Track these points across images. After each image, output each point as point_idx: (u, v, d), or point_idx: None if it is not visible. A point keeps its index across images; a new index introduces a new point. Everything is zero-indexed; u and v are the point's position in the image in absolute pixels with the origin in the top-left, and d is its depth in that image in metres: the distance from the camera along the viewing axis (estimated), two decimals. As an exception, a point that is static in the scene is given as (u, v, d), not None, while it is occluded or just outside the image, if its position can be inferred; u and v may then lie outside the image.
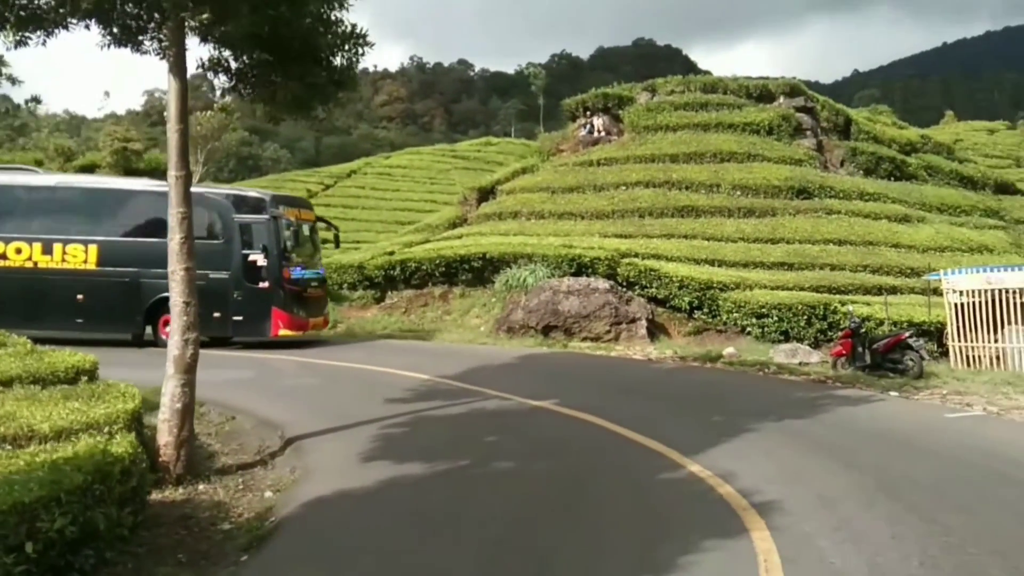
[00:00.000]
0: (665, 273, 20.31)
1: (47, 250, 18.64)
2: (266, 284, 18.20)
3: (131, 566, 5.73)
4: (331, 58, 8.90)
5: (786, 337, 18.17)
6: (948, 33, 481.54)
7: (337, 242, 22.86)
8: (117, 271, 18.43)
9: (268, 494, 7.68)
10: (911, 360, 13.86)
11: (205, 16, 7.88)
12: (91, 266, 18.55)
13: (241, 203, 18.87)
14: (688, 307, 19.98)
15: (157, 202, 19.10)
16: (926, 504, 6.98)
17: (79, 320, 18.36)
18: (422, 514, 6.87)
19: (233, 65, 9.11)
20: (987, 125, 50.45)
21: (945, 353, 15.48)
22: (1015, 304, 14.76)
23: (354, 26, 8.80)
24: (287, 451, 9.19)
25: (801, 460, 8.52)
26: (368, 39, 8.93)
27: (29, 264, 18.62)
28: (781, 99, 31.52)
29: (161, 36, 8.44)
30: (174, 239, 8.59)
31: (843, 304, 17.77)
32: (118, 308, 18.36)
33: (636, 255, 21.52)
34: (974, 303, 15.11)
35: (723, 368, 15.61)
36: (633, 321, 19.59)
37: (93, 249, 18.53)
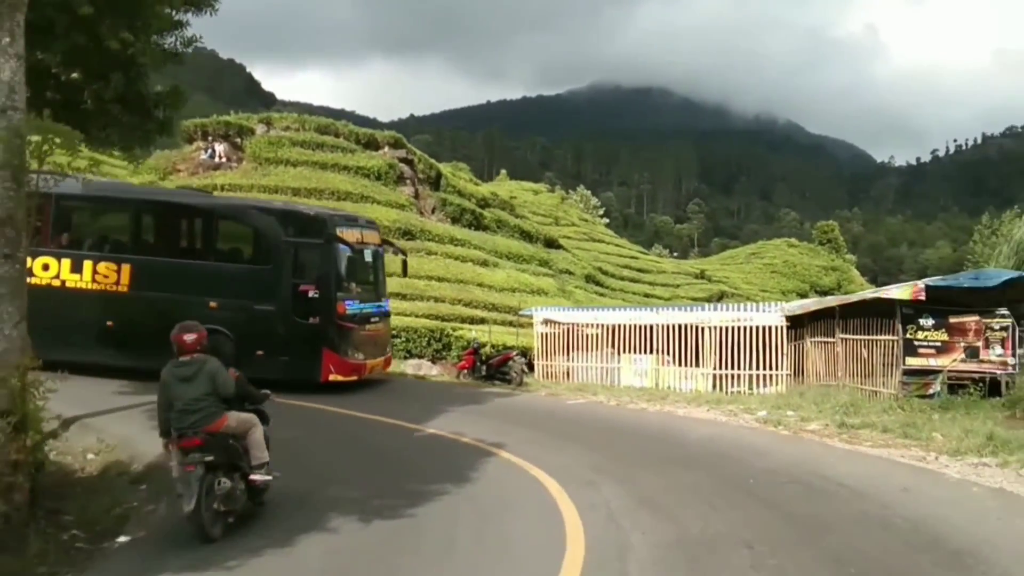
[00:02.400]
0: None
1: (76, 268, 16.05)
2: (317, 320, 15.50)
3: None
4: (154, 110, 10.57)
5: (410, 354, 22.22)
6: (492, 93, 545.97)
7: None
8: (150, 295, 15.66)
9: None
10: (515, 372, 18.70)
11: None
12: (123, 288, 15.99)
13: (293, 221, 16.18)
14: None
15: (195, 217, 17.05)
16: (565, 433, 11.90)
17: (109, 349, 15.67)
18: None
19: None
20: (532, 186, 61.32)
21: (532, 369, 20.75)
22: (579, 335, 20.54)
23: (175, 86, 10.64)
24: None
25: (495, 424, 12.50)
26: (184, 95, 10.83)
27: (56, 283, 15.97)
28: (386, 148, 36.06)
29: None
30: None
31: (454, 330, 22.39)
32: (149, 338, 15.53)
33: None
34: (553, 333, 20.64)
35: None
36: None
37: (126, 269, 16.00)
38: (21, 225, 7.27)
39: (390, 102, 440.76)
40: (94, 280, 16.07)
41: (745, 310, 19.63)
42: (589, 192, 75.26)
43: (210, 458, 7.01)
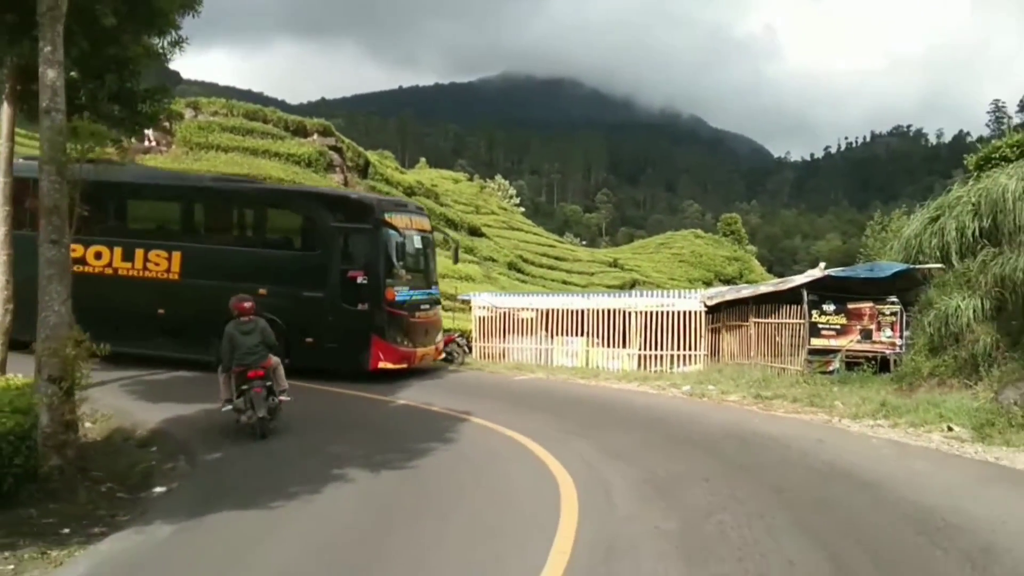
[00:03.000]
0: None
1: (128, 256, 16.31)
2: (366, 306, 15.44)
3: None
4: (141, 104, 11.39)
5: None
6: (404, 78, 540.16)
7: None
8: (200, 283, 15.80)
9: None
10: (457, 353, 20.00)
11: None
12: (174, 276, 16.21)
13: (341, 207, 16.26)
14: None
15: (245, 203, 17.16)
16: (523, 403, 13.35)
17: (159, 339, 15.98)
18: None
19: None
20: (451, 175, 62.37)
21: (471, 350, 22.09)
22: (515, 319, 22.00)
23: (163, 83, 11.52)
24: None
25: (458, 396, 13.79)
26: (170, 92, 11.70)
27: (109, 271, 16.31)
28: (315, 136, 36.65)
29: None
30: None
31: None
32: (197, 326, 15.41)
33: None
34: (490, 316, 22.02)
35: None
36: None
37: (177, 257, 16.20)
38: (65, 213, 8.24)
39: (299, 85, 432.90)
40: (145, 268, 16.23)
41: (668, 297, 21.45)
42: (507, 182, 76.70)
43: (269, 383, 10.48)
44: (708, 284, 46.48)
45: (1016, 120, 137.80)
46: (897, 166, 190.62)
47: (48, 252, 7.99)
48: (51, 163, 8.03)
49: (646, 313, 20.65)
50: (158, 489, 8.52)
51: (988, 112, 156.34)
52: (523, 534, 6.55)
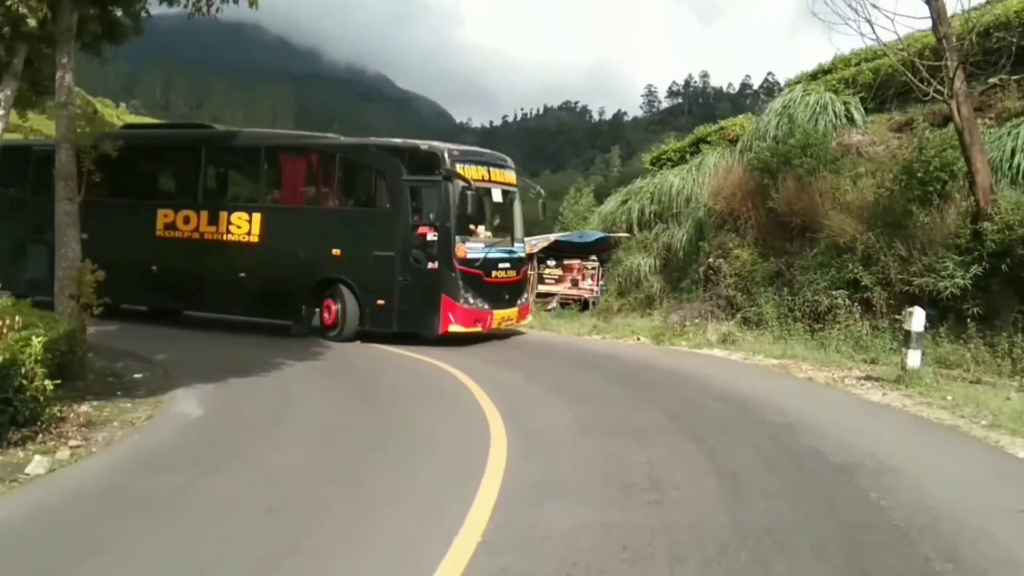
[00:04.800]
0: None
1: (219, 220, 16.40)
2: (435, 265, 14.50)
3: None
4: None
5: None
6: None
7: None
8: (276, 247, 15.95)
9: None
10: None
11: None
12: (254, 239, 16.12)
13: (411, 158, 15.05)
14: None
15: (316, 159, 16.45)
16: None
17: (241, 304, 16.50)
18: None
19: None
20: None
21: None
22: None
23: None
24: None
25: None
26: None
27: (196, 236, 16.60)
28: None
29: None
30: None
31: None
32: (278, 291, 15.85)
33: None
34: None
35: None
36: None
37: (257, 219, 16.10)
38: (75, 180, 11.06)
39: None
40: (229, 232, 16.32)
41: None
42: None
43: None
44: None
45: (665, 104, 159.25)
46: (565, 138, 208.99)
47: (65, 207, 10.82)
48: (67, 142, 10.81)
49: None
50: (138, 375, 11.66)
51: (642, 95, 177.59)
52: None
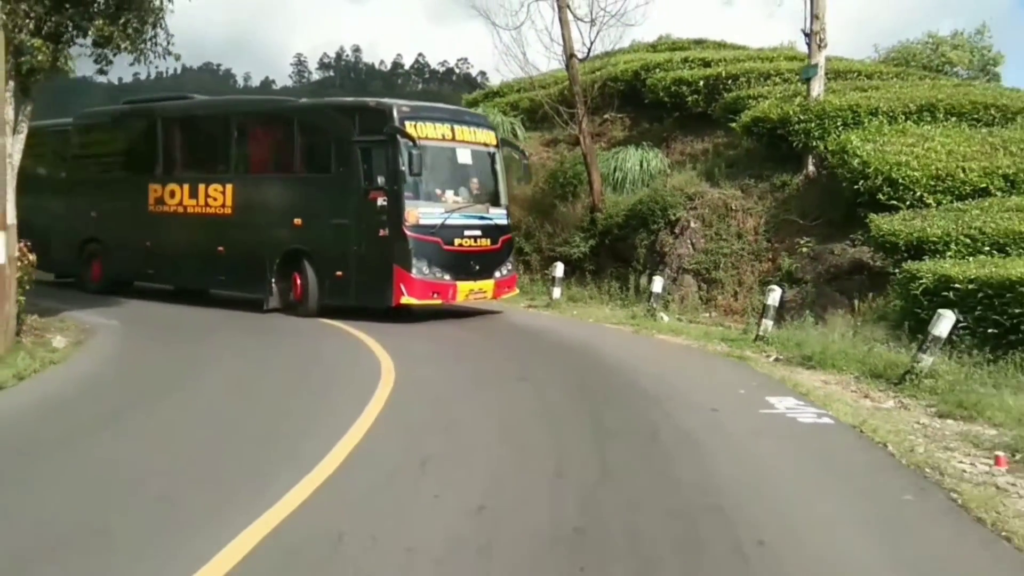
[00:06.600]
0: None
1: (193, 193, 16.04)
2: (386, 232, 13.31)
3: None
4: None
5: None
6: None
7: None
8: (246, 218, 15.42)
9: None
10: None
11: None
12: (227, 211, 15.65)
13: (362, 117, 14.00)
14: None
15: (276, 124, 16.02)
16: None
17: (219, 277, 16.04)
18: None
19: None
20: None
21: None
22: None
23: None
24: None
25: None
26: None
27: (180, 210, 16.27)
28: None
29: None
30: None
31: None
32: (247, 264, 15.18)
33: None
34: None
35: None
36: None
37: (229, 189, 15.61)
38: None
39: None
40: (207, 204, 15.84)
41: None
42: None
43: None
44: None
45: (316, 76, 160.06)
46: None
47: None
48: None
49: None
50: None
51: (291, 64, 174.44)
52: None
